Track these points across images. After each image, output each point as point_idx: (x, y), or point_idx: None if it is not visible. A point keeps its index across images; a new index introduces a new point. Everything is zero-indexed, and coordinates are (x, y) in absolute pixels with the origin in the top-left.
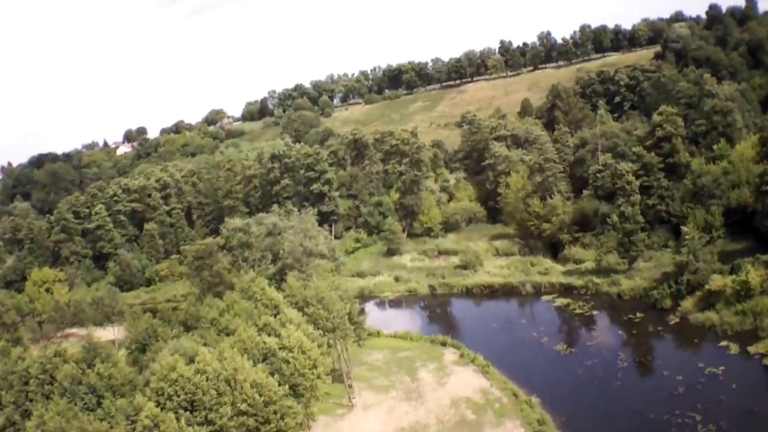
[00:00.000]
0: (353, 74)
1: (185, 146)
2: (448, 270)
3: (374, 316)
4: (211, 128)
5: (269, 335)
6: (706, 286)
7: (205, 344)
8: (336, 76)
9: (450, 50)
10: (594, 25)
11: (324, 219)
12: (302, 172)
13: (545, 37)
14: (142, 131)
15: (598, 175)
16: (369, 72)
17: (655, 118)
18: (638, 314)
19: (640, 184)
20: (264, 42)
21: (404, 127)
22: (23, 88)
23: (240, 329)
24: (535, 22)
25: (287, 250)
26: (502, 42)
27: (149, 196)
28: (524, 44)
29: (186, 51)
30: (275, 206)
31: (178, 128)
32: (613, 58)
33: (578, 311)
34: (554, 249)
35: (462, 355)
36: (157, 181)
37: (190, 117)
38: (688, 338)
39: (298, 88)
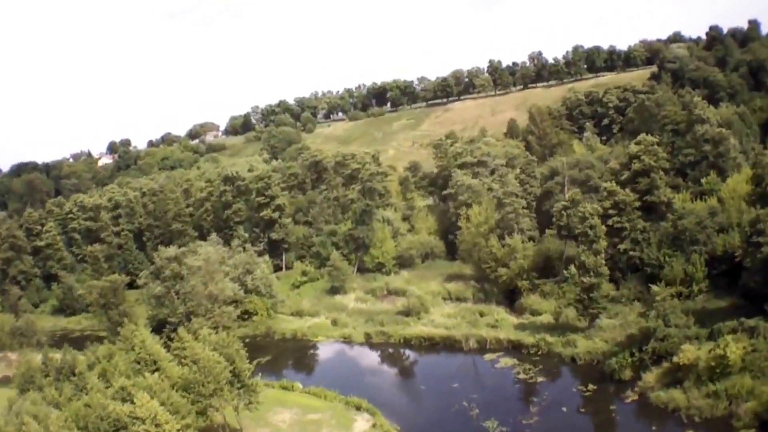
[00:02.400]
0: (338, 92)
1: (165, 159)
2: (388, 316)
3: (298, 364)
4: (193, 142)
5: (124, 401)
6: (675, 358)
7: (57, 404)
8: (320, 93)
9: (438, 69)
10: (589, 45)
11: (274, 247)
12: (253, 196)
13: (536, 57)
14: (126, 143)
15: (563, 213)
16: (354, 89)
17: (632, 148)
18: (591, 386)
19: (611, 225)
20: (257, 57)
21: (384, 146)
22: (19, 95)
23: (92, 392)
24: (528, 43)
25: (191, 294)
26: (490, 61)
27: (98, 216)
28: (514, 63)
29: (181, 63)
30: (213, 234)
31: (165, 140)
32: (607, 78)
33: (522, 376)
34: (512, 295)
35: (374, 425)
36: (109, 200)
37: (181, 129)
38: (644, 422)
39: (282, 104)
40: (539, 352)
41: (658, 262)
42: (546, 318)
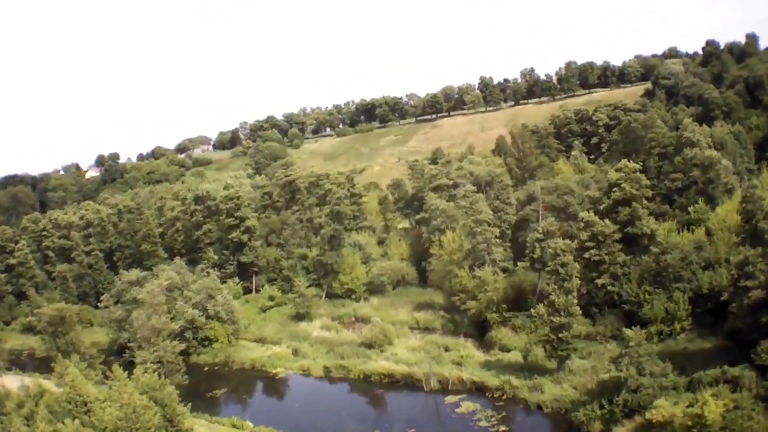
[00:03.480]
0: (327, 108)
1: (150, 174)
2: (350, 348)
3: (252, 399)
4: (180, 156)
5: None
6: (648, 414)
7: None
8: (309, 109)
9: (428, 86)
10: (583, 61)
11: (243, 270)
12: (223, 217)
13: (528, 73)
14: (114, 156)
15: (536, 244)
16: (342, 105)
17: (612, 175)
18: None
19: (588, 259)
20: (252, 72)
21: (370, 162)
22: (9, 108)
23: None
24: (520, 59)
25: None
26: (481, 77)
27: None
28: (505, 80)
29: (178, 76)
30: (177, 258)
31: (155, 154)
32: (600, 95)
33: (484, 423)
34: (482, 327)
35: None
36: (81, 218)
37: (175, 143)
38: None
39: (270, 120)
40: (504, 396)
41: (638, 299)
42: (515, 356)
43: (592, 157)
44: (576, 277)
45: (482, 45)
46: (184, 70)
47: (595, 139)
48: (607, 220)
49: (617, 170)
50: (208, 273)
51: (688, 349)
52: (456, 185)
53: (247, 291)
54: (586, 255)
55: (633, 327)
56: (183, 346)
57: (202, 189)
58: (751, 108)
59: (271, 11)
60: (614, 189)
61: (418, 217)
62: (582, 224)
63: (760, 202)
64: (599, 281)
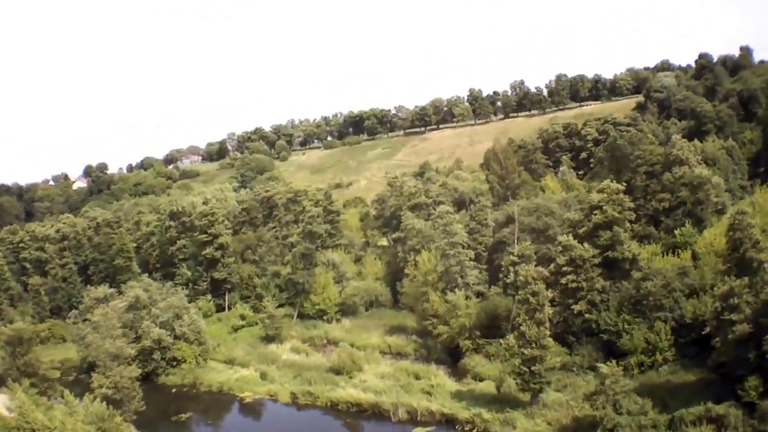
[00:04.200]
0: (315, 119)
1: (137, 185)
2: (318, 373)
3: (217, 425)
4: (168, 168)
5: None
6: None
7: None
8: (297, 121)
9: (417, 98)
10: (574, 73)
11: (217, 287)
12: (197, 234)
13: (518, 86)
14: (102, 166)
15: (510, 268)
16: (331, 117)
17: (594, 197)
18: None
19: (565, 285)
20: (243, 82)
21: (357, 176)
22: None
23: None
24: (510, 72)
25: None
26: (471, 90)
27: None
28: (495, 93)
29: (171, 85)
30: (145, 276)
31: (144, 165)
32: (591, 108)
33: None
34: (456, 354)
35: None
36: (57, 231)
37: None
38: None
39: (258, 131)
40: (474, 430)
41: (617, 328)
42: (487, 386)
43: (581, 173)
44: (550, 305)
45: (472, 57)
46: (179, 77)
47: (584, 155)
48: (586, 244)
49: (599, 191)
50: (176, 291)
51: (670, 382)
52: (437, 203)
53: (221, 308)
54: (563, 280)
55: (612, 358)
56: (139, 371)
57: (178, 205)
58: (745, 122)
59: (263, 17)
60: (595, 211)
61: (394, 235)
62: (560, 248)
63: (748, 230)
64: (576, 308)
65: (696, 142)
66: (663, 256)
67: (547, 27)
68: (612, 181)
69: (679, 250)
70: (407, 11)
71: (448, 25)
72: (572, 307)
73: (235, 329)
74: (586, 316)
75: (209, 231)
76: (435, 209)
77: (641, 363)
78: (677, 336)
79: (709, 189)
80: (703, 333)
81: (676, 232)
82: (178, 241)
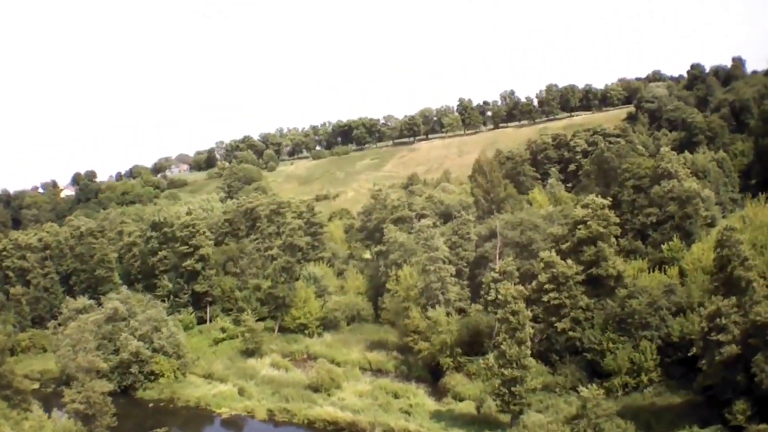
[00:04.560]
0: (303, 128)
1: (125, 194)
2: (296, 390)
3: None
4: (156, 177)
5: None
6: None
7: None
8: (286, 130)
9: (406, 108)
10: (565, 83)
11: (198, 299)
12: (178, 245)
13: (508, 96)
14: (90, 174)
15: (492, 285)
16: (319, 126)
17: (578, 212)
18: None
19: (547, 302)
20: (232, 89)
21: (345, 187)
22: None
23: None
24: (501, 81)
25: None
26: (460, 100)
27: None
28: (485, 102)
29: (162, 93)
30: (123, 288)
31: (132, 173)
32: (581, 118)
33: None
34: (436, 372)
35: None
36: (39, 240)
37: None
38: None
39: (247, 140)
40: None
41: (601, 347)
42: (467, 406)
43: (570, 185)
44: (534, 322)
45: (463, 66)
46: (172, 82)
47: (572, 166)
48: (569, 260)
49: (584, 206)
50: (155, 303)
51: (655, 404)
52: (421, 216)
53: (202, 321)
54: (545, 298)
55: (596, 378)
56: (111, 386)
57: (160, 215)
58: (737, 133)
59: (253, 22)
60: (579, 227)
61: (377, 249)
62: (542, 265)
63: (737, 247)
64: (560, 325)
65: (686, 153)
66: (650, 272)
67: (538, 37)
68: (598, 195)
69: (667, 266)
70: (399, 18)
71: (441, 32)
72: (555, 324)
73: (216, 342)
74: (570, 333)
75: (190, 242)
76: (419, 222)
77: (625, 384)
78: (663, 356)
79: (698, 203)
80: (689, 354)
81: (664, 247)
82: (159, 252)
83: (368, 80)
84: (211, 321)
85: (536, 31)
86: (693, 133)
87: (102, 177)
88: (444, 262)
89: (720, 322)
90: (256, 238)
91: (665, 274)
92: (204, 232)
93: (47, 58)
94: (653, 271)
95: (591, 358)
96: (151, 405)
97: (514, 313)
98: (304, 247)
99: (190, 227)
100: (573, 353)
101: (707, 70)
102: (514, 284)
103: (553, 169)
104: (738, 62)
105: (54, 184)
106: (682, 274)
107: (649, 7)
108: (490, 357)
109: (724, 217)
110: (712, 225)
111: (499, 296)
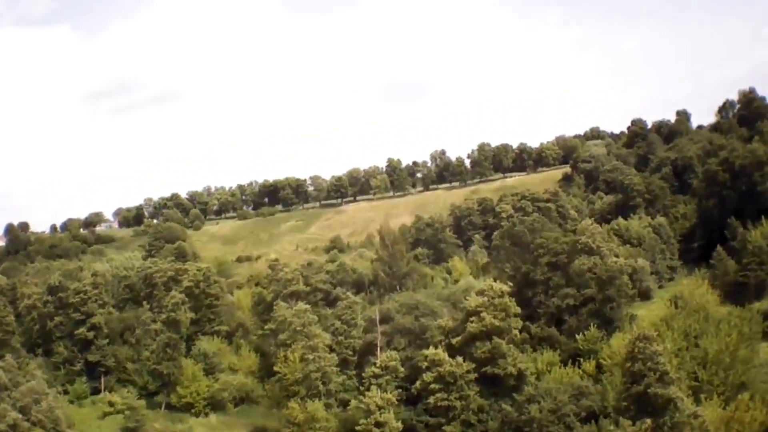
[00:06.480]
0: (231, 187)
1: (53, 247)
2: None
3: None
4: (84, 232)
5: None
6: None
7: None
8: (213, 188)
9: (334, 168)
10: (498, 142)
11: (91, 370)
12: (71, 311)
13: (439, 156)
14: (23, 225)
15: (372, 380)
16: (246, 186)
17: (471, 301)
18: None
19: (433, 404)
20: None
21: (268, 249)
22: None
23: None
24: (431, 141)
25: None
26: (389, 160)
27: None
28: (414, 163)
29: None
30: (8, 355)
31: (67, 226)
32: (514, 180)
33: None
34: None
35: None
36: None
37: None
38: None
39: (174, 197)
40: None
41: None
42: None
43: (494, 253)
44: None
45: (392, 125)
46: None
47: (497, 233)
48: (459, 358)
49: (479, 293)
50: (33, 375)
51: None
52: (319, 291)
53: (96, 392)
54: (431, 399)
55: None
56: None
57: (56, 278)
58: (679, 194)
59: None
60: (472, 319)
61: (267, 327)
62: (425, 364)
63: (654, 359)
64: (447, 429)
65: (620, 220)
66: (564, 365)
67: (472, 94)
68: (506, 271)
69: (582, 359)
70: (326, 77)
71: (370, 90)
72: (443, 428)
73: (104, 416)
74: None
75: (82, 309)
76: (315, 297)
77: None
78: None
79: (622, 284)
80: None
81: (579, 337)
82: (55, 317)
83: (296, 139)
84: (110, 392)
85: (470, 88)
86: (630, 196)
87: (44, 227)
88: (329, 350)
89: None
90: (152, 307)
91: (580, 369)
92: (97, 300)
93: None
94: (567, 365)
95: None
96: None
97: (378, 425)
98: (186, 322)
99: (82, 293)
100: None
101: (649, 125)
102: (401, 379)
103: (477, 236)
104: (683, 116)
105: None
106: (600, 369)
107: (589, 61)
108: None
109: (660, 287)
110: (646, 296)
111: (362, 406)
